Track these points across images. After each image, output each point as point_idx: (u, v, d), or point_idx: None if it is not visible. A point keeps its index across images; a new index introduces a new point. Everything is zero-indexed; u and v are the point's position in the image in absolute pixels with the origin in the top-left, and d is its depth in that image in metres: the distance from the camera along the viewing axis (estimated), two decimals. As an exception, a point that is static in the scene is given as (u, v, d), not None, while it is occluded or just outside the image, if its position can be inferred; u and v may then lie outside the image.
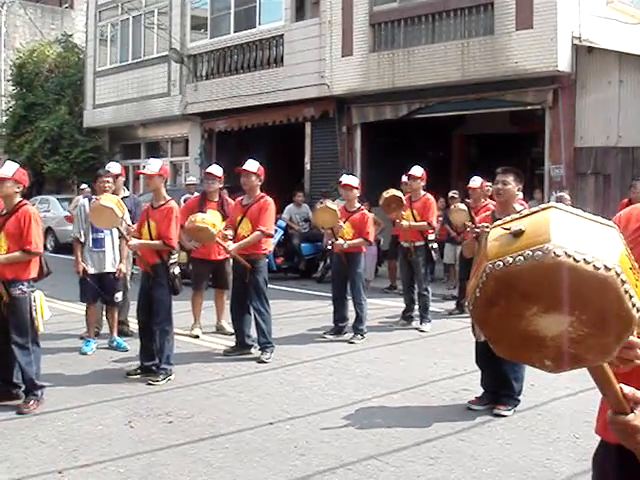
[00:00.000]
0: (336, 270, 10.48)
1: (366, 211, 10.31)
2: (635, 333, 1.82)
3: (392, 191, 10.68)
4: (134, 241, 7.92)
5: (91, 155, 25.99)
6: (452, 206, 12.36)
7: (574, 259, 1.50)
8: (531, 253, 1.52)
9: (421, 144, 17.69)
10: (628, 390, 1.78)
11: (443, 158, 20.24)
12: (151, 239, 7.88)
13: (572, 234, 1.55)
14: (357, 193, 10.26)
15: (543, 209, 1.63)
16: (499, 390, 6.67)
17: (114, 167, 10.14)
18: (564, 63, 14.39)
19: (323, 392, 7.36)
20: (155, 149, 25.16)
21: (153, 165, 8.18)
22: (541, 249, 1.51)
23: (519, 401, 6.68)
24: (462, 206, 11.55)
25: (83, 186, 17.16)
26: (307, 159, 19.38)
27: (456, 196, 13.67)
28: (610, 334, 1.58)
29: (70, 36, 30.98)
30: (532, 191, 15.11)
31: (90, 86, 25.99)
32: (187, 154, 23.21)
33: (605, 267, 1.51)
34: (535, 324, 1.55)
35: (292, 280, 16.05)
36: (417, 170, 10.92)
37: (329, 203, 10.10)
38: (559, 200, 13.18)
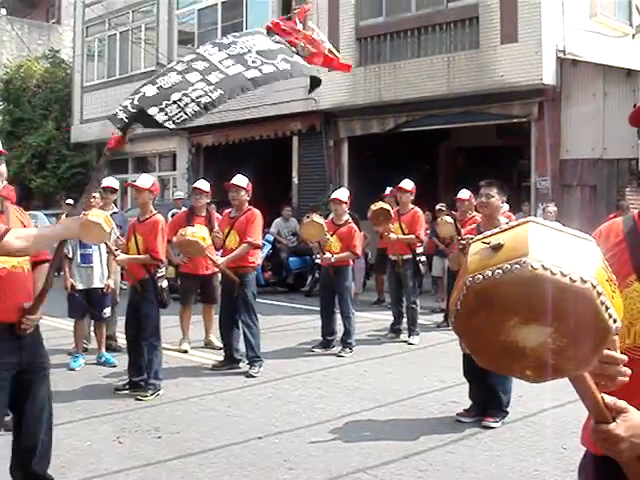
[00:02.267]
0: (324, 284, 10.50)
1: (354, 225, 10.34)
2: (618, 348, 1.87)
3: (380, 204, 10.72)
4: (122, 256, 7.94)
5: (79, 170, 25.95)
6: (439, 219, 12.40)
7: (551, 272, 1.53)
8: (509, 266, 1.55)
9: (408, 157, 17.74)
10: (609, 399, 1.81)
11: (430, 171, 20.29)
12: (138, 253, 7.90)
13: (550, 248, 1.58)
14: (346, 207, 10.29)
15: (521, 223, 1.67)
16: (487, 402, 6.69)
17: (110, 182, 10.14)
18: (549, 76, 14.50)
19: (312, 406, 7.36)
20: (143, 164, 25.15)
21: (144, 180, 8.22)
22: (519, 262, 1.55)
23: (507, 413, 6.70)
24: (449, 219, 11.59)
25: (69, 201, 17.12)
26: (294, 173, 19.41)
27: (443, 209, 13.72)
28: (588, 344, 1.62)
29: (57, 51, 30.98)
30: (519, 204, 15.19)
31: (77, 101, 25.99)
32: (175, 169, 23.22)
33: (581, 280, 1.55)
34: (515, 335, 1.58)
35: (280, 294, 16.06)
36: (407, 183, 10.97)
37: (316, 217, 10.12)
38: (545, 212, 13.27)
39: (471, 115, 15.90)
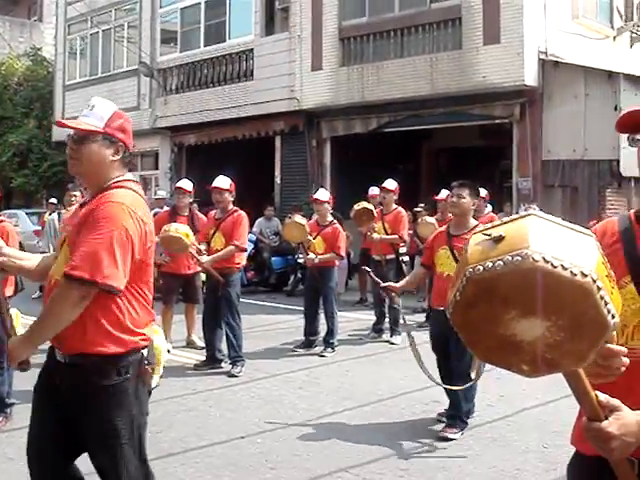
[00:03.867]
0: (308, 284, 10.49)
1: (338, 225, 10.34)
2: (615, 343, 1.88)
3: (363, 204, 10.75)
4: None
5: (60, 169, 25.81)
6: (420, 219, 12.45)
7: (552, 265, 1.54)
8: (510, 258, 1.56)
9: (391, 158, 17.78)
10: (603, 397, 1.82)
11: (412, 171, 20.33)
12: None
13: (551, 241, 1.60)
14: (329, 207, 10.29)
15: (523, 216, 1.69)
16: (449, 409, 6.52)
17: (222, 181, 10.08)
18: (531, 77, 14.56)
19: (294, 405, 7.37)
20: (125, 163, 25.04)
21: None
22: (520, 254, 1.56)
23: (467, 424, 6.47)
24: (430, 219, 11.65)
25: (52, 200, 17.05)
26: (277, 173, 19.40)
27: (422, 210, 13.81)
28: (585, 340, 1.62)
29: (39, 49, 30.80)
30: (501, 204, 15.25)
31: (59, 99, 25.84)
32: (157, 168, 23.13)
33: (582, 273, 1.56)
34: (513, 328, 1.59)
35: (262, 294, 16.04)
36: (390, 183, 10.99)
37: (297, 218, 10.11)
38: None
39: (454, 115, 15.95)
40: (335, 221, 10.34)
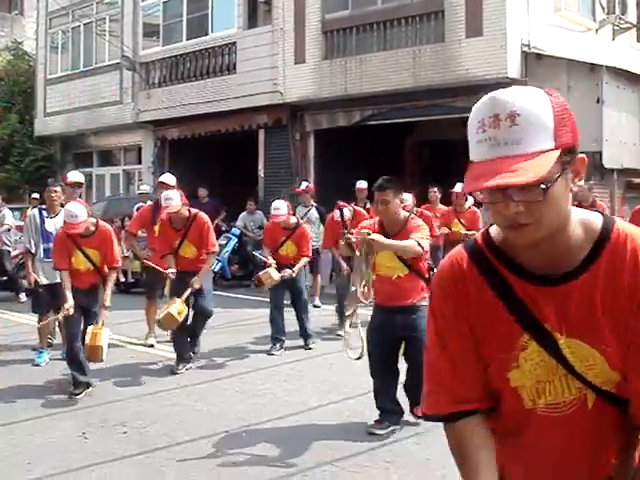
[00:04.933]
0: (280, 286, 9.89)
1: (305, 225, 10.25)
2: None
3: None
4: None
5: (42, 164, 25.68)
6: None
7: None
8: None
9: (374, 151, 17.78)
10: None
11: (396, 164, 20.34)
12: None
13: None
14: (289, 218, 9.78)
15: None
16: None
17: (76, 176, 10.01)
18: (514, 70, 14.59)
19: (279, 399, 7.37)
20: (108, 157, 24.93)
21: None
22: None
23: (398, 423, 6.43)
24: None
25: (34, 195, 16.97)
26: (261, 166, 19.35)
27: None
28: None
29: (20, 43, 30.55)
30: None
31: (41, 94, 25.69)
32: (140, 162, 23.04)
33: None
34: None
35: (246, 288, 16.00)
36: (362, 183, 11.15)
37: (273, 273, 9.67)
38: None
39: (437, 108, 15.96)
40: (300, 222, 10.14)
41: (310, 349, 9.67)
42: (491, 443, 1.85)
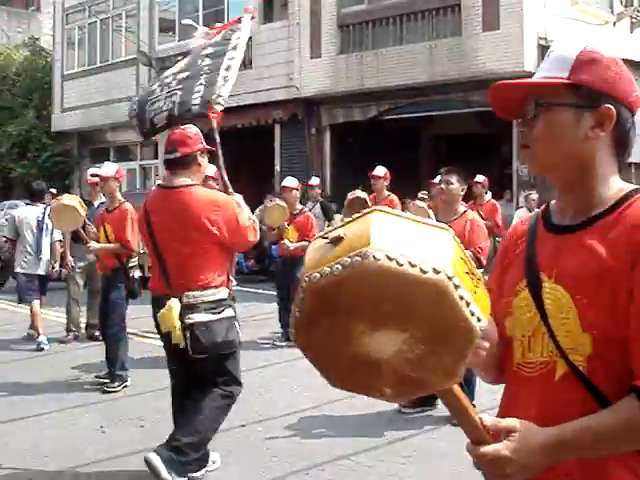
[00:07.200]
0: (280, 272, 10.25)
1: (310, 214, 10.28)
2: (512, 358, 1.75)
3: (357, 192, 10.70)
4: (94, 244, 7.74)
5: (59, 160, 25.79)
6: (411, 203, 12.37)
7: (397, 262, 1.31)
8: (349, 260, 1.32)
9: (390, 145, 17.74)
10: (488, 420, 1.58)
11: (412, 159, 20.31)
12: (108, 242, 7.76)
13: (396, 237, 1.36)
14: (297, 195, 10.14)
15: (365, 213, 1.44)
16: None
17: (108, 168, 9.91)
18: (530, 63, 14.52)
19: (295, 393, 7.37)
20: (124, 153, 25.02)
21: (108, 168, 8.06)
22: (360, 254, 1.32)
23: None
24: (420, 203, 11.58)
25: (52, 190, 17.02)
26: (277, 161, 19.38)
27: (425, 197, 13.73)
28: (451, 351, 1.39)
29: (37, 39, 30.71)
30: (501, 191, 15.22)
31: (58, 90, 25.80)
32: (157, 157, 23.08)
33: (434, 270, 1.32)
34: (365, 345, 1.38)
35: (262, 282, 16.00)
36: (380, 170, 10.91)
37: (279, 201, 9.94)
38: (527, 199, 13.32)
39: (453, 102, 15.92)
40: (306, 209, 10.24)
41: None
42: None
